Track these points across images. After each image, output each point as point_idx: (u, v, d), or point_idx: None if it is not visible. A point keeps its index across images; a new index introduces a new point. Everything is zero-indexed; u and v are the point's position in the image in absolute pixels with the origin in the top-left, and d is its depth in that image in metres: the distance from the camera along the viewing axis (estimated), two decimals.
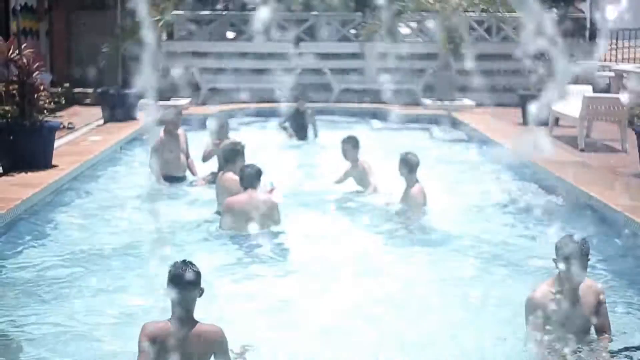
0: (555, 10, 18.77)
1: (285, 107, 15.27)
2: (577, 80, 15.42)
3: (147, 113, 14.57)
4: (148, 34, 10.44)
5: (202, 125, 12.54)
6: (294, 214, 8.68)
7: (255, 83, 18.91)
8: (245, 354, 5.10)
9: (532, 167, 10.78)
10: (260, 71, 19.24)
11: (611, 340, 5.26)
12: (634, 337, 5.60)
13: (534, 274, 6.74)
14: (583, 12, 22.17)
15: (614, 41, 20.06)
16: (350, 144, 10.04)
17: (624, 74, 16.24)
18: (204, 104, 18.15)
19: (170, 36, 20.00)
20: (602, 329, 5.27)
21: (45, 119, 10.58)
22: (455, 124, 16.08)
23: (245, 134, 12.59)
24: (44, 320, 5.95)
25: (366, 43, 18.88)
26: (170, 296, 4.55)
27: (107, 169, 11.54)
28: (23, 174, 9.98)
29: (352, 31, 20.03)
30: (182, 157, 10.71)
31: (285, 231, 8.06)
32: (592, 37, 21.05)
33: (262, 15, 16.91)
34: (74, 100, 17.55)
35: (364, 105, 18.24)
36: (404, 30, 19.87)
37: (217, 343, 4.66)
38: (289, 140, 14.14)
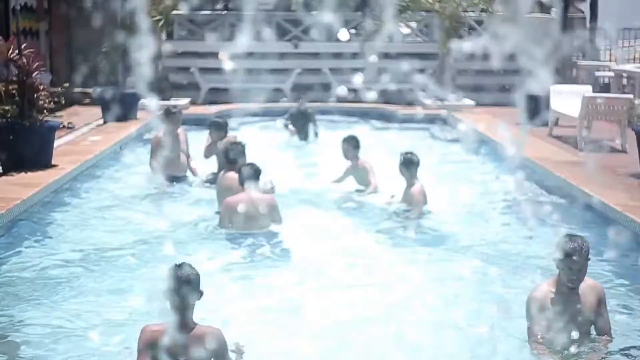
0: (555, 10, 18.76)
1: (285, 106, 15.29)
2: (577, 80, 15.42)
3: (147, 113, 14.61)
4: (148, 34, 10.44)
5: (202, 125, 12.54)
6: (294, 213, 8.68)
7: (255, 83, 18.88)
8: (245, 354, 5.09)
9: (531, 167, 10.77)
10: (260, 71, 19.22)
11: (611, 340, 5.26)
12: (634, 337, 5.60)
13: (533, 274, 6.74)
14: (583, 12, 22.16)
15: (616, 41, 20.07)
16: (351, 144, 10.05)
17: (624, 74, 16.24)
18: (204, 104, 18.14)
19: (170, 36, 19.98)
20: (602, 329, 5.26)
21: (45, 118, 10.56)
22: (455, 123, 16.06)
23: (245, 133, 12.59)
24: (44, 320, 5.94)
25: (366, 43, 18.87)
26: (170, 299, 4.54)
27: (106, 169, 11.53)
28: (23, 173, 9.97)
29: (352, 31, 20.01)
30: (183, 156, 10.71)
31: (285, 230, 8.06)
32: (592, 37, 21.04)
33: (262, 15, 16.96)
34: (73, 100, 17.51)
35: (364, 105, 18.22)
36: (404, 30, 19.86)
37: (216, 345, 4.65)
38: (289, 139, 14.14)
